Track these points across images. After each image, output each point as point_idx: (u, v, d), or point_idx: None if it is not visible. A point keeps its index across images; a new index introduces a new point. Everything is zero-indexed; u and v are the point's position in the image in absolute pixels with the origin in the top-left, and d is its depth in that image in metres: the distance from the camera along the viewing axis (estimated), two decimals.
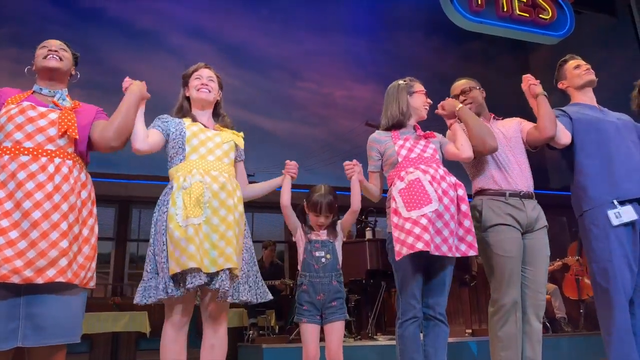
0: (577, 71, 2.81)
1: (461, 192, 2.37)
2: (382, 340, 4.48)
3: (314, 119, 10.56)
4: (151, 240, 2.10)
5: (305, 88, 10.72)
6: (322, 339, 2.53)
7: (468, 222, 2.34)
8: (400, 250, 2.23)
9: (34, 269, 1.75)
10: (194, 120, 2.30)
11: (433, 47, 11.27)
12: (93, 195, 2.06)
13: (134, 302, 2.05)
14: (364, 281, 4.72)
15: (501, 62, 11.35)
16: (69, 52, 2.18)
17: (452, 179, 2.39)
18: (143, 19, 9.59)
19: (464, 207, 2.35)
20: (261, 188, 2.54)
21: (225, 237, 2.00)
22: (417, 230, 2.19)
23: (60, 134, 1.94)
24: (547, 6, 8.03)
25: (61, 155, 1.93)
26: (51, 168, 1.89)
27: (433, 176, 2.34)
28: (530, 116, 2.89)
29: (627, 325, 2.32)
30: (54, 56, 2.09)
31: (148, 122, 2.28)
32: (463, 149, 2.53)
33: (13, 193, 1.81)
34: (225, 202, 2.07)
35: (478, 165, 2.70)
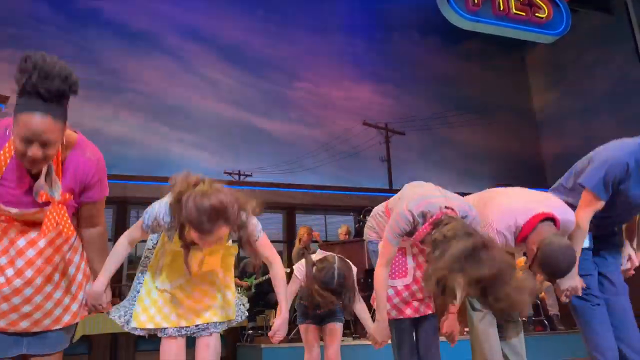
0: None
1: None
2: None
3: (311, 119, 10.56)
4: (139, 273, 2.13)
5: (302, 88, 10.72)
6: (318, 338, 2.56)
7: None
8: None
9: (30, 320, 1.76)
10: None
11: (429, 46, 11.28)
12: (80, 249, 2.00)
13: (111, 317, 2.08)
14: (362, 280, 4.73)
15: (498, 60, 11.38)
16: (57, 134, 1.58)
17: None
18: (139, 20, 9.57)
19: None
20: (278, 291, 2.10)
21: (208, 293, 2.04)
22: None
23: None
24: (543, 5, 8.06)
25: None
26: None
27: (421, 249, 2.38)
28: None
29: (607, 322, 2.40)
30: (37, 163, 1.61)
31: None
32: None
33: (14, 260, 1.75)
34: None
35: None
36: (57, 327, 1.82)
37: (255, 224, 1.93)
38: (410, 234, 2.16)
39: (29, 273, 1.74)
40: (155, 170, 7.95)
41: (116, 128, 8.70)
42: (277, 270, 2.05)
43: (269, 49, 10.33)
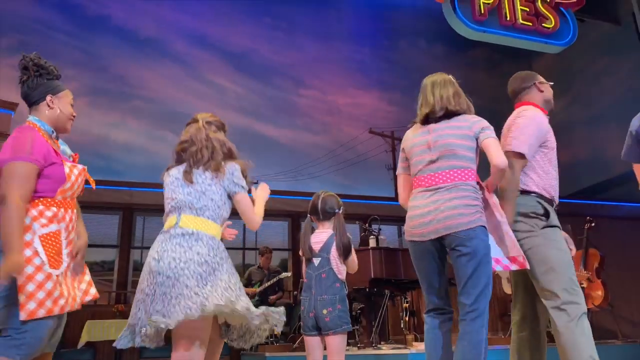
0: None
1: None
2: (385, 349, 4.45)
3: (317, 127, 10.57)
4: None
5: (308, 95, 10.75)
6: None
7: None
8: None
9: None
10: None
11: (436, 54, 11.29)
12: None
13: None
14: (367, 289, 4.70)
15: (504, 69, 11.35)
16: None
17: None
18: (148, 27, 9.65)
19: None
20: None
21: None
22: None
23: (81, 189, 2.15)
24: (550, 15, 8.03)
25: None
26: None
27: None
28: None
29: None
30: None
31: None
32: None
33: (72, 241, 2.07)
34: None
35: (544, 167, 2.62)
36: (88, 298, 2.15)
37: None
38: (405, 159, 2.55)
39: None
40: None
41: (123, 135, 8.74)
42: None
43: (275, 56, 10.38)
